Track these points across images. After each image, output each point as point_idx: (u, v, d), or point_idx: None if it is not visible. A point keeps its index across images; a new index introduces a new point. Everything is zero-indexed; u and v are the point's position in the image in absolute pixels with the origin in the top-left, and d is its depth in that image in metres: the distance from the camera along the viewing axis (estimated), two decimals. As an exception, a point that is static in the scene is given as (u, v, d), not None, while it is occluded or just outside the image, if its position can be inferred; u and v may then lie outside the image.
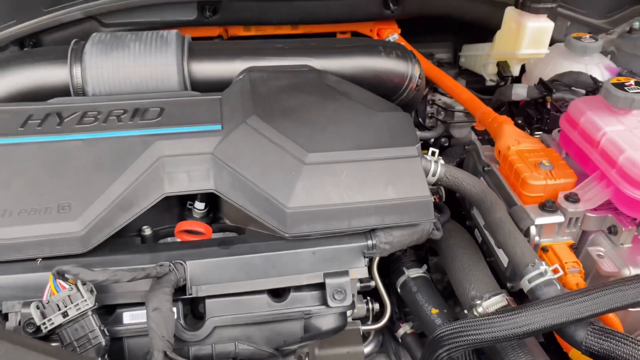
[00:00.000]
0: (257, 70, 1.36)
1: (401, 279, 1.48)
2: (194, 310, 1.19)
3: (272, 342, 1.15)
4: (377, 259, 1.40)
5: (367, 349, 1.51)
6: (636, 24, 1.81)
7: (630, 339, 0.99)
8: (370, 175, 1.17)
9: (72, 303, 0.99)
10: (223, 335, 1.13)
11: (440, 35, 2.18)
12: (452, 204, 1.57)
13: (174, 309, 1.10)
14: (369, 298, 1.44)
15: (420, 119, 2.01)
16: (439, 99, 2.01)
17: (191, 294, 1.11)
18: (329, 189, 1.14)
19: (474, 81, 2.04)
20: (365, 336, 1.53)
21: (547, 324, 0.99)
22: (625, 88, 1.27)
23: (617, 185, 1.19)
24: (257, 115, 1.21)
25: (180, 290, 1.11)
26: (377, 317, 1.46)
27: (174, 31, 1.40)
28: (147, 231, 1.25)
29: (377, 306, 1.45)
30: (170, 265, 1.08)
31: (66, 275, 1.00)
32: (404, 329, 1.52)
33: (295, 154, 1.16)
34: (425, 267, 1.49)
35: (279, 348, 1.16)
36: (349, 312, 1.30)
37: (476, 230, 1.49)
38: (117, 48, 1.34)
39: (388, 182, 1.17)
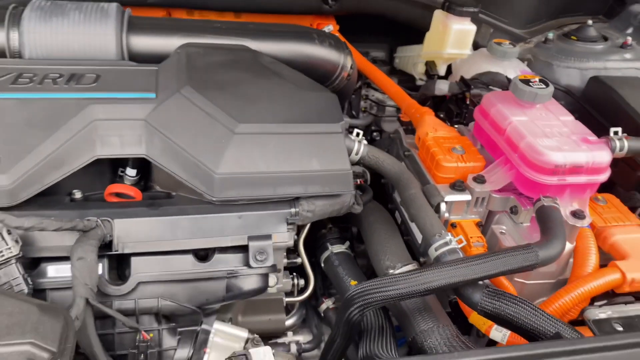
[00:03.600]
0: (194, 46, 1.42)
1: (325, 254, 1.56)
2: (121, 276, 1.23)
3: (194, 300, 1.20)
4: (303, 235, 1.48)
5: (290, 321, 1.57)
6: (550, 35, 1.98)
7: (517, 299, 1.11)
8: (296, 148, 1.25)
9: (-4, 250, 1.02)
10: (147, 292, 1.17)
11: (377, 36, 2.30)
12: (376, 190, 1.67)
13: (100, 265, 1.14)
14: (295, 274, 1.51)
15: (353, 112, 2.11)
16: (372, 95, 2.13)
17: (117, 251, 1.15)
18: (257, 158, 1.21)
19: (405, 80, 2.16)
20: (289, 310, 1.60)
21: (444, 283, 1.09)
22: (531, 84, 1.41)
23: (517, 168, 1.32)
24: (191, 86, 1.27)
25: (106, 247, 1.15)
26: (302, 292, 1.54)
27: (114, 4, 1.44)
28: (78, 194, 1.28)
29: (302, 282, 1.53)
30: (97, 220, 1.12)
31: (-9, 224, 1.03)
32: (327, 304, 1.60)
33: (226, 123, 1.22)
34: (347, 243, 1.58)
35: (201, 306, 1.21)
36: (273, 282, 1.37)
37: (397, 212, 1.60)
38: (57, 15, 1.36)
39: (312, 155, 1.25)
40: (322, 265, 1.57)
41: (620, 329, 1.03)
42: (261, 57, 1.45)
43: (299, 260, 1.50)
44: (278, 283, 1.40)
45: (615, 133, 1.35)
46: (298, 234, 1.47)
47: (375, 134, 2.16)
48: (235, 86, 1.32)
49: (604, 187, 1.59)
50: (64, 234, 1.10)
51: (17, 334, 0.74)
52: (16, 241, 1.05)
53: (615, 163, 1.59)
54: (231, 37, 1.48)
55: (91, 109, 1.22)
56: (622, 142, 1.34)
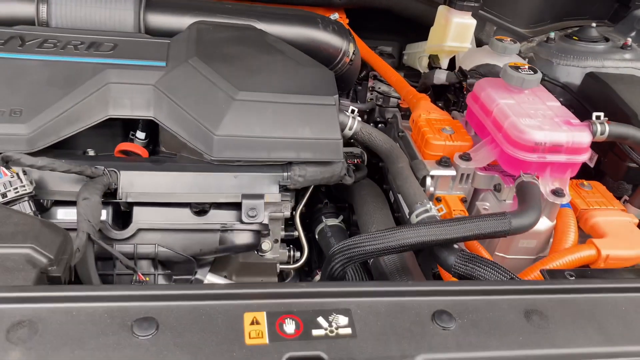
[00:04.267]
0: (205, 23, 1.54)
1: (319, 226, 1.64)
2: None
3: (189, 249, 1.30)
4: (300, 208, 1.57)
5: (283, 288, 1.65)
6: (552, 35, 2.05)
7: (487, 262, 1.17)
8: (290, 116, 1.34)
9: (11, 187, 1.13)
10: (146, 238, 1.27)
11: (389, 34, 2.40)
12: (374, 173, 1.75)
13: (104, 211, 1.25)
14: (291, 246, 1.60)
15: (359, 102, 2.20)
16: (379, 87, 2.22)
17: (121, 199, 1.25)
18: (254, 123, 1.31)
19: (412, 75, 2.25)
20: (284, 279, 1.68)
21: (418, 240, 1.15)
22: (520, 70, 1.49)
23: (501, 146, 1.39)
24: (199, 57, 1.38)
25: (111, 196, 1.26)
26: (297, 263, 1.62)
27: (134, -17, 1.57)
28: (91, 153, 1.40)
29: (298, 254, 1.61)
30: (104, 169, 1.23)
31: (9, 164, 1.14)
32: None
33: (227, 91, 1.32)
34: (341, 217, 1.67)
35: (195, 256, 1.31)
36: (267, 247, 1.46)
37: (390, 192, 1.68)
38: (82, -10, 1.51)
39: (305, 124, 1.34)
40: (317, 236, 1.65)
41: (572, 278, 1.09)
42: (266, 36, 1.56)
43: (295, 233, 1.59)
44: (275, 253, 1.48)
45: (598, 117, 1.41)
46: (295, 208, 1.56)
47: (380, 125, 2.24)
48: (239, 59, 1.42)
49: (593, 178, 1.65)
50: (73, 181, 1.22)
51: (20, 239, 0.84)
52: (30, 182, 1.16)
53: (605, 154, 1.66)
54: (240, 17, 1.59)
55: (106, 73, 1.34)
56: (603, 126, 1.39)
